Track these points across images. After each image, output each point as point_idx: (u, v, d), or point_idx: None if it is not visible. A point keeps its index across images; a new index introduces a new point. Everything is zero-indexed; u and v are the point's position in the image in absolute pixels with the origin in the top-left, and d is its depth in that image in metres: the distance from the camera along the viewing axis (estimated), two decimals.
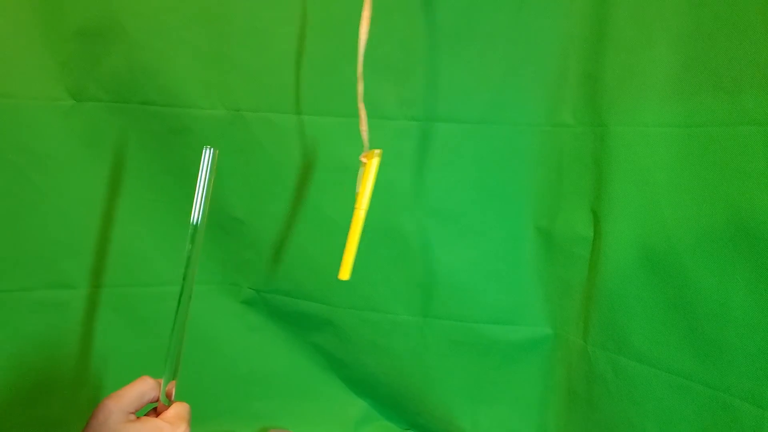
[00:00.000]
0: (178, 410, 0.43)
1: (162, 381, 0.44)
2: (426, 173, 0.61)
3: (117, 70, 0.61)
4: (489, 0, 0.56)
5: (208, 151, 0.45)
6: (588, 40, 0.55)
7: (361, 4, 0.58)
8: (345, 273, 0.50)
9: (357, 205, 0.49)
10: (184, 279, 0.45)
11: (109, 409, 0.40)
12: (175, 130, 0.63)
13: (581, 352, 0.59)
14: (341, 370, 0.72)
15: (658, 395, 0.52)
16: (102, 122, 0.63)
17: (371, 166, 0.49)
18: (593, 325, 0.57)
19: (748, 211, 0.44)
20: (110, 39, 0.60)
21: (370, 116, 0.61)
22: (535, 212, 0.61)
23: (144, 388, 0.43)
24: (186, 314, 0.45)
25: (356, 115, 0.60)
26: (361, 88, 0.51)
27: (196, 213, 0.45)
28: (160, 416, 0.42)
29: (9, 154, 0.61)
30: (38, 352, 0.66)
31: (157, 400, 0.44)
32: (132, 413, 0.41)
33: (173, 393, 0.45)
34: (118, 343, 0.68)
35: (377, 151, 0.49)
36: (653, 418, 0.52)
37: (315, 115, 0.61)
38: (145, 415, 0.43)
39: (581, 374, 0.59)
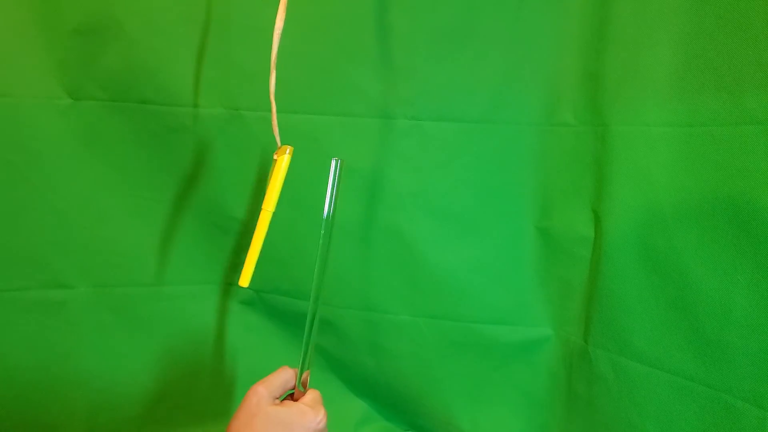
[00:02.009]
0: (314, 396, 0.49)
1: (297, 371, 0.50)
2: (426, 173, 0.61)
3: (114, 69, 0.61)
4: (489, 0, 0.56)
5: (335, 162, 0.49)
6: (589, 40, 0.55)
7: (361, 4, 0.58)
8: (245, 279, 0.49)
9: (264, 205, 0.48)
10: (315, 282, 0.50)
11: (261, 393, 0.46)
12: (173, 129, 0.63)
13: (582, 352, 0.59)
14: (341, 370, 0.72)
15: (659, 396, 0.52)
16: (99, 121, 0.62)
17: (281, 163, 0.47)
18: (594, 325, 0.57)
19: (749, 210, 0.44)
20: (108, 37, 0.59)
21: (370, 115, 0.61)
22: (536, 212, 0.61)
23: (286, 376, 0.49)
24: (317, 312, 0.50)
25: (355, 115, 0.61)
26: (273, 80, 0.48)
27: (327, 209, 0.48)
28: (300, 401, 0.48)
29: (6, 153, 0.61)
30: (35, 352, 0.66)
31: (293, 388, 0.50)
32: (277, 398, 0.47)
33: (308, 382, 0.50)
34: (115, 343, 0.68)
35: (288, 149, 0.48)
36: (654, 418, 0.52)
37: (314, 114, 0.61)
38: (283, 399, 0.49)
39: (582, 375, 0.59)
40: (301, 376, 0.50)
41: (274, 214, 0.65)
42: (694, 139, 0.48)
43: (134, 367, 0.69)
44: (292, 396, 0.50)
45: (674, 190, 0.49)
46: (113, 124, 0.63)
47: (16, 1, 0.59)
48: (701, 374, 0.48)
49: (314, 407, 0.47)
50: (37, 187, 0.63)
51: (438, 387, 0.68)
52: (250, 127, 0.62)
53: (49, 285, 0.65)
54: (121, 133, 0.63)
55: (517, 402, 0.66)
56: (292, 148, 0.49)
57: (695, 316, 0.48)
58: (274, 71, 0.48)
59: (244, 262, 0.68)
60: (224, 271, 0.70)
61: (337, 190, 0.49)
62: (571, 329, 0.61)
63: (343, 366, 0.72)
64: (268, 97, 0.60)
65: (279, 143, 0.50)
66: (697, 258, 0.48)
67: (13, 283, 0.64)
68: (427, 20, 0.57)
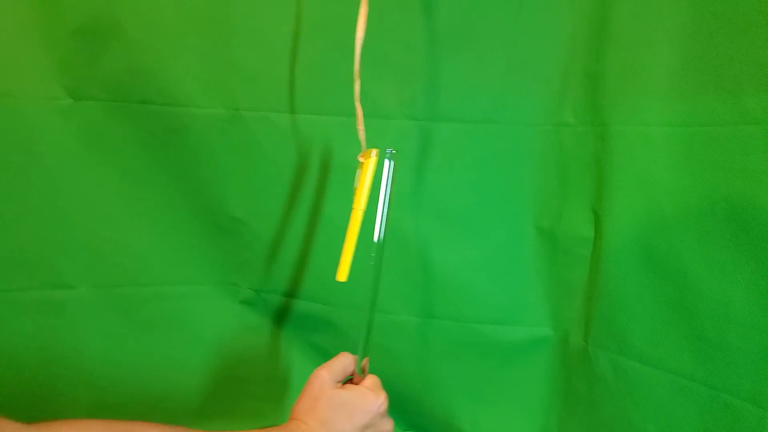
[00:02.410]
0: (374, 380, 0.50)
1: (357, 357, 0.52)
2: (426, 173, 0.61)
3: (115, 69, 0.61)
4: (489, 0, 0.56)
5: (389, 162, 0.50)
6: (589, 40, 0.55)
7: (359, 4, 0.58)
8: (342, 274, 0.51)
9: (355, 205, 0.50)
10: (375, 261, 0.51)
11: (324, 378, 0.48)
12: (174, 130, 0.63)
13: (582, 352, 0.59)
14: None
15: (658, 395, 0.52)
16: (100, 121, 0.62)
17: (368, 165, 0.50)
18: (594, 325, 0.57)
19: (749, 210, 0.44)
20: (109, 38, 0.59)
21: (369, 115, 0.60)
22: (536, 212, 0.61)
23: (346, 361, 0.51)
24: (376, 300, 0.52)
25: (355, 115, 0.61)
26: (357, 87, 0.51)
27: (380, 230, 0.51)
28: (361, 384, 0.49)
29: (7, 153, 0.61)
30: (36, 352, 0.66)
31: (353, 373, 0.51)
32: (338, 381, 0.49)
33: (367, 368, 0.52)
34: (116, 343, 0.68)
35: (374, 151, 0.50)
36: (654, 418, 0.52)
37: (314, 114, 0.61)
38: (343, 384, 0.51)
39: (582, 374, 0.59)
40: (360, 361, 0.51)
41: (275, 215, 0.66)
42: (694, 139, 0.48)
43: (135, 367, 0.69)
44: (351, 381, 0.51)
45: (674, 190, 0.49)
46: (114, 125, 0.63)
47: (17, 2, 0.59)
48: (701, 374, 0.48)
49: (374, 390, 0.49)
50: (38, 188, 0.63)
51: (438, 387, 0.68)
52: (251, 128, 0.62)
53: (50, 285, 0.65)
54: (121, 133, 0.63)
55: (518, 402, 0.66)
56: (378, 150, 0.51)
57: (695, 315, 0.48)
58: (358, 79, 0.51)
59: (247, 261, 0.69)
60: (225, 272, 0.70)
61: (392, 187, 0.50)
62: (571, 329, 0.61)
63: None
64: (272, 94, 0.60)
65: (364, 146, 0.52)
66: (697, 258, 0.48)
67: (15, 283, 0.64)
68: (428, 20, 0.57)
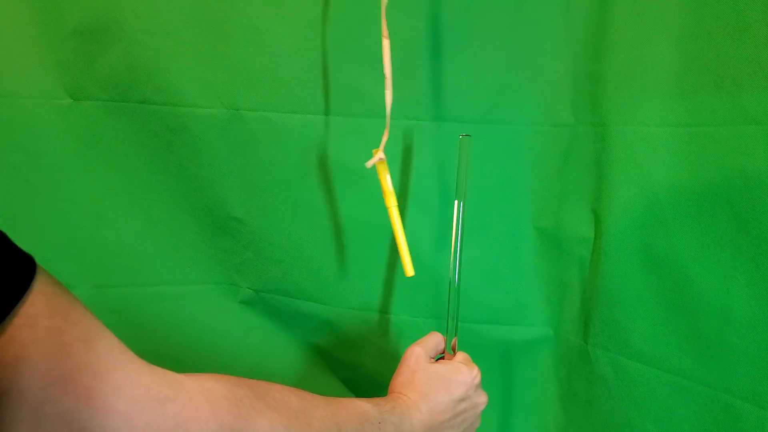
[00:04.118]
0: (465, 356, 0.52)
1: (446, 337, 0.53)
2: (425, 173, 0.61)
3: (115, 69, 0.61)
4: (488, 0, 0.56)
5: (465, 138, 0.52)
6: (588, 40, 0.55)
7: (361, 5, 0.58)
8: (409, 269, 0.54)
9: (388, 204, 0.54)
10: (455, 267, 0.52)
11: (418, 353, 0.50)
12: (174, 130, 0.63)
13: (581, 352, 0.59)
14: (340, 370, 0.72)
15: (658, 396, 0.52)
16: (100, 121, 0.62)
17: (382, 166, 0.52)
18: (594, 325, 0.57)
19: (748, 210, 0.44)
20: (108, 38, 0.59)
21: (369, 115, 0.61)
22: (535, 212, 0.61)
23: (437, 339, 0.53)
24: (460, 282, 0.52)
25: (355, 115, 0.61)
26: (389, 96, 0.53)
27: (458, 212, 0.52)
28: (454, 360, 0.51)
29: (6, 153, 0.61)
30: None
31: (443, 352, 0.53)
32: (431, 358, 0.51)
33: (456, 347, 0.54)
34: None
35: (374, 150, 0.52)
36: (654, 418, 0.52)
37: (314, 114, 0.61)
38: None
39: (581, 375, 0.59)
40: (450, 341, 0.53)
41: (275, 215, 0.66)
42: (694, 139, 0.48)
43: None
44: (442, 359, 0.53)
45: (674, 190, 0.49)
46: (113, 125, 0.63)
47: (16, 2, 0.59)
48: (701, 374, 0.48)
49: (468, 364, 0.50)
50: (37, 188, 0.63)
51: None
52: (251, 128, 0.62)
53: None
54: (121, 133, 0.63)
55: (517, 402, 0.66)
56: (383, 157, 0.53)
57: (695, 315, 0.49)
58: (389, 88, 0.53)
59: (247, 261, 0.69)
60: (225, 271, 0.70)
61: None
62: (571, 329, 0.61)
63: (343, 366, 0.72)
64: (272, 94, 0.60)
65: (383, 144, 0.54)
66: (697, 258, 0.48)
67: None
68: (427, 20, 0.57)
